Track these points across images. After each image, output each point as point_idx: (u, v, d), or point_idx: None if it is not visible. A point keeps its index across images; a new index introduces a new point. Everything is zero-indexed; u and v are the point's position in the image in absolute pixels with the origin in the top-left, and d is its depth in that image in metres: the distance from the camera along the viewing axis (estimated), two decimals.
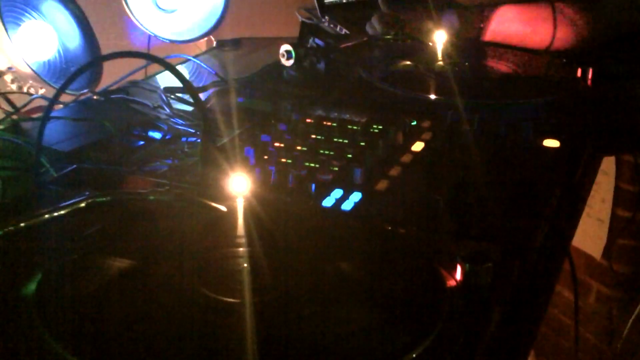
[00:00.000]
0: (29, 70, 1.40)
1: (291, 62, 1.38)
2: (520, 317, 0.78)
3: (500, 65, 1.49)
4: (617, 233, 2.16)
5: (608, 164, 2.14)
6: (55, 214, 0.87)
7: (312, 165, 1.02)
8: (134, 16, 1.68)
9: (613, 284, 2.19)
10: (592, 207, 2.21)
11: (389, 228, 0.87)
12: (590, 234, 2.22)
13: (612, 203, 2.16)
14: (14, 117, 1.22)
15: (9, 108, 1.26)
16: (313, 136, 1.11)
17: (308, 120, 1.18)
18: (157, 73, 1.61)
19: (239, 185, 0.86)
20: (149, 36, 1.75)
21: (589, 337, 2.27)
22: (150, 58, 1.10)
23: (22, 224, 0.84)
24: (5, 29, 1.34)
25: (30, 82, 1.43)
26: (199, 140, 1.14)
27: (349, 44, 1.50)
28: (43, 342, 0.64)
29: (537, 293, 0.84)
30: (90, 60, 1.52)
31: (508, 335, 0.74)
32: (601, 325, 2.23)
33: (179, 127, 1.20)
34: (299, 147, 1.07)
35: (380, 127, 1.16)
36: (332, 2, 1.74)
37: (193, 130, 1.18)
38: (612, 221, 2.17)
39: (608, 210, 2.18)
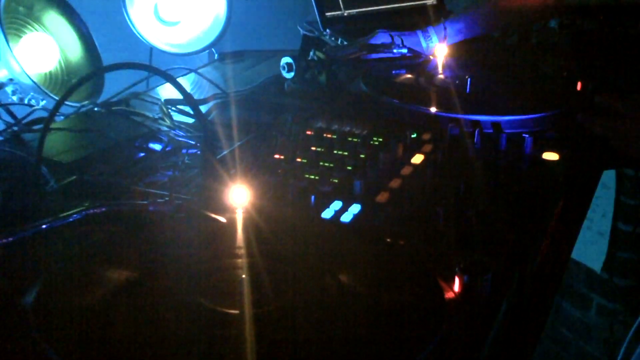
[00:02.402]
0: (30, 82, 1.40)
1: (292, 74, 1.38)
2: (519, 328, 0.78)
3: (501, 78, 1.49)
4: (618, 246, 2.16)
5: (609, 178, 2.14)
6: (55, 224, 0.87)
7: (313, 177, 1.02)
8: (135, 29, 1.69)
9: (614, 297, 2.19)
10: (593, 221, 2.21)
11: (389, 240, 0.87)
12: (591, 248, 2.22)
13: (612, 217, 2.16)
14: (15, 128, 1.22)
15: (10, 120, 1.26)
16: (313, 148, 1.12)
17: (309, 132, 1.18)
18: (159, 85, 1.62)
19: (239, 197, 0.86)
20: (151, 48, 1.76)
21: (590, 350, 2.26)
22: (152, 70, 1.10)
23: (21, 235, 0.84)
24: (7, 41, 1.34)
25: (32, 93, 1.43)
26: (199, 152, 1.14)
27: (350, 56, 1.50)
28: (41, 353, 0.63)
29: (536, 305, 0.84)
30: (91, 72, 1.52)
31: (507, 346, 0.74)
32: (602, 338, 2.23)
33: (180, 138, 1.20)
34: (299, 159, 1.07)
35: (381, 139, 1.16)
36: (333, 15, 1.74)
37: (194, 142, 1.18)
38: (612, 235, 2.17)
39: (609, 223, 2.17)
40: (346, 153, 1.10)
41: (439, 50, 1.51)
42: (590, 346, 2.26)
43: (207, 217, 0.88)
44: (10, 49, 1.36)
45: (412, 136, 1.17)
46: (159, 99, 1.36)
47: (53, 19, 1.53)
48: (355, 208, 0.94)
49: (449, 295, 0.75)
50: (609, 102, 1.25)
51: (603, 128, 1.21)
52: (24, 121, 1.26)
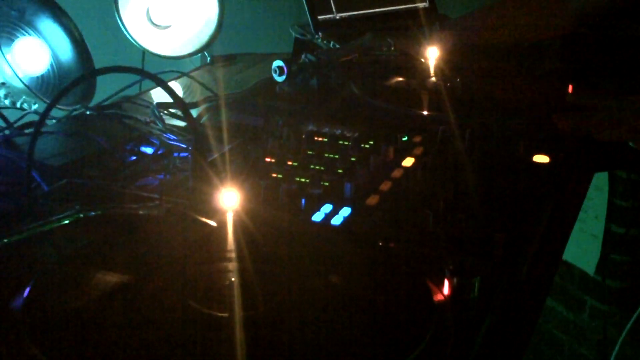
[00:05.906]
0: (22, 86, 1.40)
1: (283, 77, 1.38)
2: (509, 331, 0.78)
3: (492, 81, 1.50)
4: (611, 249, 2.16)
5: (601, 180, 2.14)
6: (45, 228, 0.87)
7: (303, 180, 1.02)
8: (127, 32, 1.68)
9: (607, 299, 2.19)
10: (586, 223, 2.21)
11: (380, 243, 0.87)
12: (584, 250, 2.23)
13: (605, 219, 2.17)
14: (7, 132, 1.22)
15: (1, 123, 1.26)
16: (304, 151, 1.12)
17: (300, 136, 1.18)
18: (151, 88, 1.62)
19: (230, 200, 0.86)
20: (143, 52, 1.75)
21: (583, 352, 2.27)
22: (143, 73, 1.10)
23: (12, 238, 0.84)
24: None
25: (24, 97, 1.43)
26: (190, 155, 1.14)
27: (342, 59, 1.50)
28: (30, 357, 0.63)
29: (527, 307, 0.84)
30: (81, 74, 1.52)
31: (497, 349, 0.74)
32: (595, 340, 2.23)
33: (171, 142, 1.20)
34: (290, 162, 1.08)
35: (372, 142, 1.16)
36: (325, 18, 1.75)
37: (185, 145, 1.18)
38: (605, 237, 2.17)
39: (601, 226, 2.18)
40: (337, 156, 1.11)
41: (431, 52, 1.52)
42: (584, 348, 2.27)
43: (198, 220, 0.88)
44: (2, 52, 1.36)
45: (403, 139, 1.17)
46: (151, 103, 1.36)
47: (45, 22, 1.53)
48: (345, 211, 0.94)
49: (439, 297, 0.75)
50: (583, 98, 1.27)
51: (576, 123, 1.22)
52: (16, 125, 1.26)
